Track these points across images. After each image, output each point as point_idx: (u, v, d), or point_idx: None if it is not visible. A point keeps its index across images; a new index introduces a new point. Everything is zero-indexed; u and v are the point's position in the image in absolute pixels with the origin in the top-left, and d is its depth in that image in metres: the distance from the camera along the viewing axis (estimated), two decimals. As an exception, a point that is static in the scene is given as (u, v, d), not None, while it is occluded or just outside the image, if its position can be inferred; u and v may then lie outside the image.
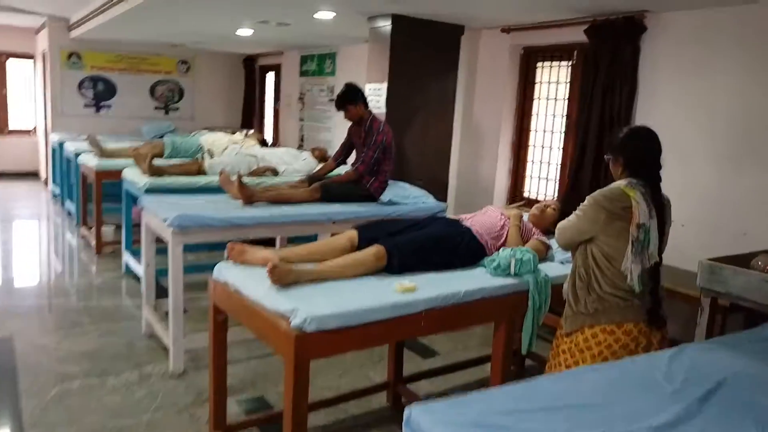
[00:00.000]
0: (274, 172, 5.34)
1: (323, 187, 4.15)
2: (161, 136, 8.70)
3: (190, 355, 3.73)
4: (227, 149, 6.47)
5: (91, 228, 6.40)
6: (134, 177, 4.95)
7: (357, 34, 6.16)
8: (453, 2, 4.34)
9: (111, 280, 5.27)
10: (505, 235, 2.87)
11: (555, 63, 5.02)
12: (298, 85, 8.65)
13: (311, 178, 4.42)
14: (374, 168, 4.27)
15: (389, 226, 2.82)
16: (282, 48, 8.87)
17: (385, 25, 4.99)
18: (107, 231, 6.15)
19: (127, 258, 5.37)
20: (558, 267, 2.81)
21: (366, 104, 4.31)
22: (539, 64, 5.19)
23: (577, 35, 4.49)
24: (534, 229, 3.01)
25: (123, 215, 5.37)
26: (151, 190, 4.69)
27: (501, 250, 2.68)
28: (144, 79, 9.57)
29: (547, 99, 5.11)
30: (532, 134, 5.27)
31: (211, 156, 5.36)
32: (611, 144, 2.47)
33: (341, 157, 4.58)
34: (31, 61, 10.36)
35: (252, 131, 8.59)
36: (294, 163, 5.58)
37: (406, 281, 2.35)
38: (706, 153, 3.84)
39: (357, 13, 5.00)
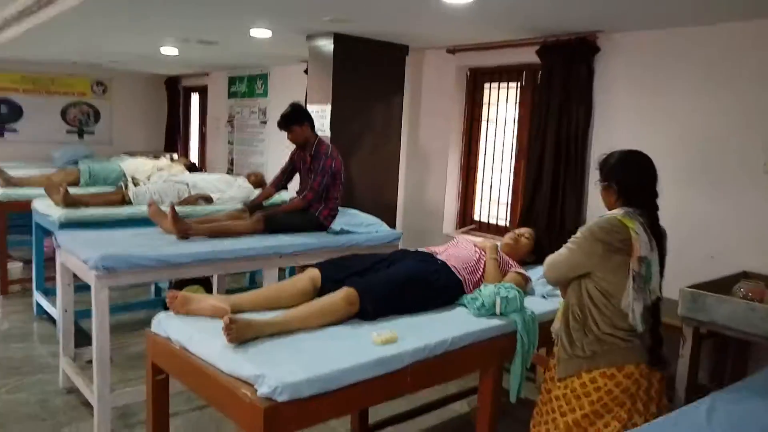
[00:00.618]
0: (208, 200, 4.91)
1: (267, 218, 3.78)
2: (75, 162, 8.04)
3: (118, 413, 3.25)
4: (152, 176, 5.98)
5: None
6: (46, 209, 4.38)
7: (292, 53, 5.84)
8: (395, 21, 4.12)
9: (20, 324, 4.63)
10: (481, 270, 2.61)
11: (503, 84, 4.88)
12: (226, 107, 8.20)
13: (251, 207, 4.03)
14: (323, 195, 3.95)
15: (354, 263, 2.51)
16: (208, 69, 8.40)
17: (326, 44, 4.70)
18: (14, 268, 5.47)
19: (38, 298, 4.76)
20: (541, 302, 2.59)
21: (312, 126, 4.00)
22: (486, 84, 5.05)
23: (525, 56, 4.36)
24: (510, 260, 2.77)
25: (33, 250, 4.76)
26: (67, 224, 4.15)
27: (483, 286, 2.42)
28: (54, 101, 8.81)
29: (496, 121, 4.97)
30: (481, 156, 5.11)
31: (135, 184, 4.86)
32: (602, 169, 2.27)
33: (281, 182, 4.23)
34: None
35: (178, 156, 8.09)
36: (228, 190, 5.16)
37: (385, 330, 2.04)
38: (666, 175, 3.72)
39: (295, 32, 4.69)
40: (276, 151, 7.24)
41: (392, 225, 4.87)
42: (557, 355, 2.24)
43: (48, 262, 4.77)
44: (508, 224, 4.85)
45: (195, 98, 9.39)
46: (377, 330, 2.05)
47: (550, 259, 2.25)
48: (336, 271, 2.40)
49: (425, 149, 5.32)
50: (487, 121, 5.05)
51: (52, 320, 4.66)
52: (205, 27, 4.80)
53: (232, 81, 8.07)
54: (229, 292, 4.46)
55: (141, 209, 4.50)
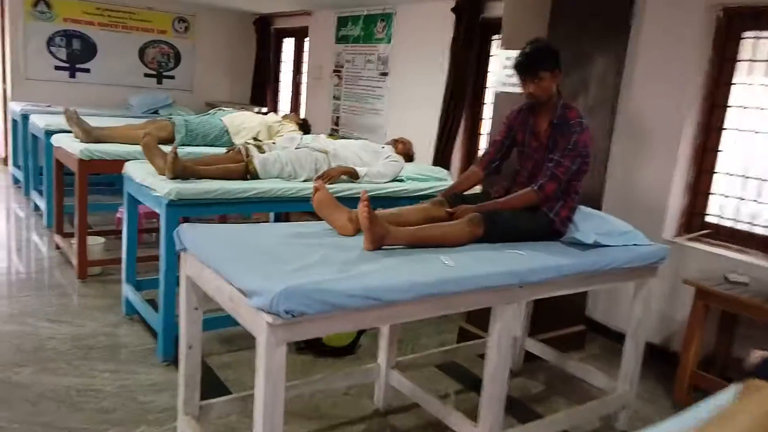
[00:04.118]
0: (353, 176, 3.63)
1: (487, 217, 2.46)
2: (155, 111, 6.90)
3: None
4: (259, 134, 4.75)
5: (69, 238, 4.59)
6: (146, 178, 3.18)
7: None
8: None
9: (105, 329, 3.49)
10: None
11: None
12: (332, 54, 6.86)
13: (453, 197, 2.72)
14: (563, 187, 2.62)
15: None
16: (310, 6, 7.05)
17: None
18: (95, 245, 4.33)
19: (128, 293, 3.61)
20: None
21: (560, 78, 2.65)
22: (746, 34, 3.57)
23: None
24: None
25: (125, 227, 3.59)
26: (178, 204, 2.95)
27: None
28: (131, 39, 7.63)
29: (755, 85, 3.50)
30: (728, 134, 3.67)
31: (261, 149, 3.59)
32: None
33: (493, 162, 2.90)
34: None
35: (290, 112, 6.87)
36: (373, 163, 3.86)
37: None
38: None
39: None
40: (399, 110, 5.91)
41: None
42: None
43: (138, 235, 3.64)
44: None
45: (289, 44, 8.07)
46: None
47: None
48: None
49: (640, 121, 3.89)
50: (748, 85, 3.58)
51: (146, 325, 3.52)
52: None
53: (342, 22, 6.70)
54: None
55: (274, 186, 3.27)
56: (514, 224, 2.53)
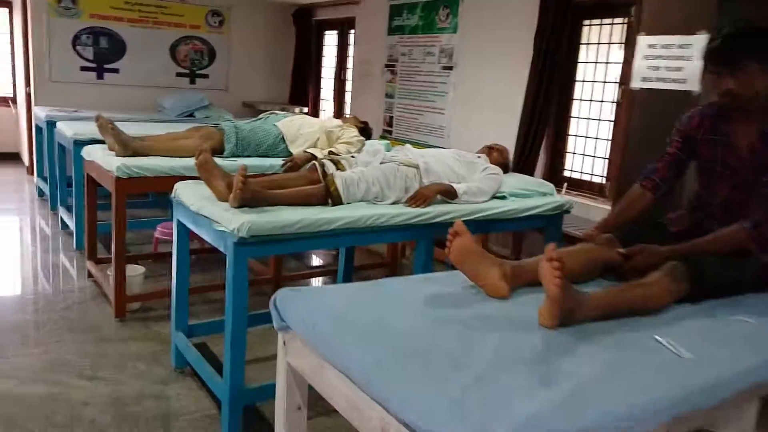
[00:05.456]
0: (451, 196, 2.93)
1: (694, 266, 1.75)
2: (190, 114, 6.27)
3: None
4: (318, 141, 4.10)
5: (103, 264, 3.98)
6: (204, 206, 2.51)
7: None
8: None
9: (152, 389, 2.84)
10: None
11: None
12: (384, 47, 6.17)
13: (625, 232, 2.01)
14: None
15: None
16: (358, -6, 6.37)
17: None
18: (134, 276, 3.70)
19: (178, 341, 2.96)
20: None
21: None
22: None
23: None
24: None
25: (174, 263, 2.93)
26: (248, 242, 2.29)
27: None
28: (162, 35, 7.01)
29: None
30: None
31: (337, 165, 2.91)
32: None
33: (666, 182, 2.18)
34: (6, 8, 7.73)
35: (349, 115, 6.22)
36: (469, 177, 3.17)
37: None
38: None
39: None
40: (465, 108, 5.20)
41: None
42: None
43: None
44: None
45: (332, 37, 7.40)
46: None
47: None
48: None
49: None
50: None
51: (200, 382, 2.87)
52: None
53: (396, 11, 6.00)
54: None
55: (364, 213, 2.60)
56: (723, 276, 1.83)
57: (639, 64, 2.77)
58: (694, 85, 2.50)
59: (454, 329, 1.45)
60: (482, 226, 3.06)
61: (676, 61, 2.54)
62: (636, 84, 2.81)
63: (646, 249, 1.87)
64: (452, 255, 1.73)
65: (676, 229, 2.06)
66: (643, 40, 2.73)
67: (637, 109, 2.79)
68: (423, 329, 1.45)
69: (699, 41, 2.48)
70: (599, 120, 4.38)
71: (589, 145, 4.46)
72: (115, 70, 6.78)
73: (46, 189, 5.84)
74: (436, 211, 2.82)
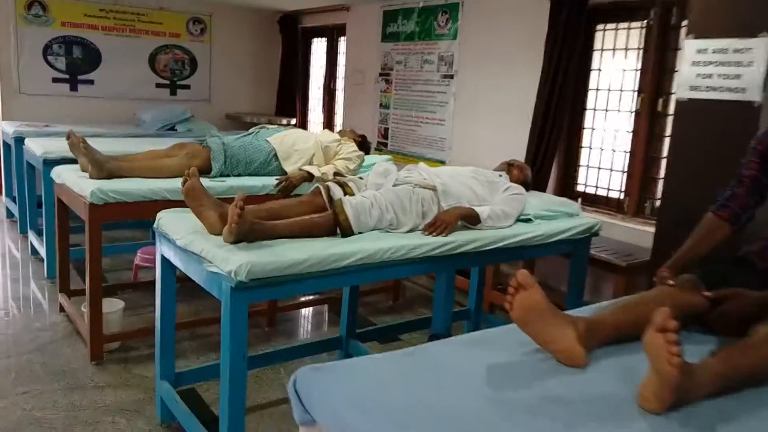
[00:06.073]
0: (473, 220, 2.59)
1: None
2: (172, 128, 5.88)
3: None
4: (314, 158, 3.75)
5: (77, 297, 3.57)
6: (193, 240, 2.14)
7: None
8: None
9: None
10: None
11: None
12: (378, 55, 5.83)
13: (705, 273, 1.68)
14: None
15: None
16: (347, 1, 6.02)
17: None
18: (112, 314, 3.29)
19: (164, 392, 2.57)
20: None
21: None
22: None
23: None
24: None
25: (158, 304, 2.54)
26: (247, 287, 1.92)
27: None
28: (141, 44, 6.60)
29: None
30: None
31: (344, 187, 2.55)
32: None
33: (747, 210, 1.86)
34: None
35: (344, 127, 5.88)
36: (490, 198, 2.84)
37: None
38: None
39: None
40: (468, 119, 4.88)
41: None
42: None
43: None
44: None
45: (320, 45, 7.05)
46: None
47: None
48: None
49: None
50: None
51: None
52: None
53: (390, 17, 5.67)
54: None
55: (381, 246, 2.24)
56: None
57: (687, 70, 2.46)
58: (755, 95, 2.19)
59: (522, 416, 1.10)
60: (509, 255, 2.72)
61: (733, 67, 2.23)
62: (683, 94, 2.49)
63: (740, 293, 1.54)
64: (515, 313, 1.38)
65: (764, 266, 1.74)
66: (690, 45, 2.43)
67: (683, 122, 2.48)
68: (479, 413, 1.09)
69: (761, 45, 2.17)
70: (616, 131, 4.07)
71: (605, 157, 4.15)
72: (90, 82, 6.35)
73: (16, 210, 5.39)
74: (460, 239, 2.47)
